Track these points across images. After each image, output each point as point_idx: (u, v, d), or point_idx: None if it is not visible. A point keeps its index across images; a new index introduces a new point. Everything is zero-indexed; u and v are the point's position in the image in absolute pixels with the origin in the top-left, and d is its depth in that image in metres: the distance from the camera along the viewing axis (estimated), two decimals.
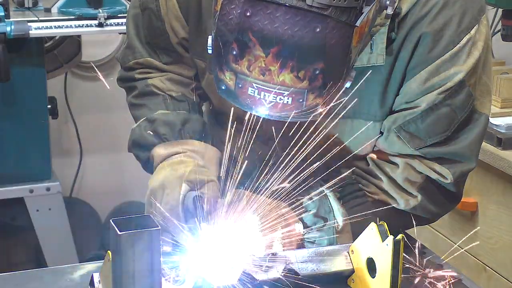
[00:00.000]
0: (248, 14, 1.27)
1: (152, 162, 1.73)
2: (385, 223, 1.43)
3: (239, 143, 1.77)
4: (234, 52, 1.30)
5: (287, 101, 1.33)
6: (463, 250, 1.67)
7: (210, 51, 1.37)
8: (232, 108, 1.46)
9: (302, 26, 1.26)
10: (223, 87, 1.36)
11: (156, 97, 1.79)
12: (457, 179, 1.64)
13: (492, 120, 2.57)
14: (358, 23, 1.30)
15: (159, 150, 1.71)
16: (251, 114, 1.42)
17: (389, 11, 1.42)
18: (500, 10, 2.94)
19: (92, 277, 1.41)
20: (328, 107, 1.38)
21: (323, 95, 1.33)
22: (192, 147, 1.70)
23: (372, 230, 1.44)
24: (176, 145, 1.71)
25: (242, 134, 1.77)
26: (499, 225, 2.60)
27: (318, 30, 1.26)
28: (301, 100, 1.33)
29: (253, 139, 1.72)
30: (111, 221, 1.26)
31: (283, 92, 1.32)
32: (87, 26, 3.20)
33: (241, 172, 1.77)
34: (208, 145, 1.74)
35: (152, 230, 1.25)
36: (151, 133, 1.73)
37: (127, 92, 1.85)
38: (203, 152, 1.70)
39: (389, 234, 1.41)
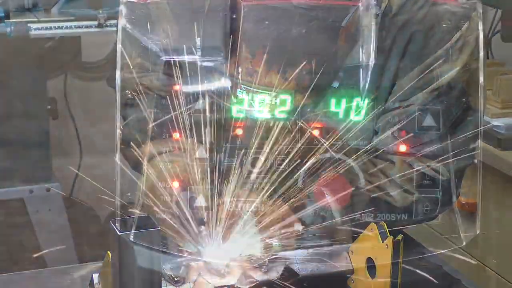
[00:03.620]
0: (234, 16, 1.28)
1: (141, 161, 1.73)
2: (385, 224, 1.43)
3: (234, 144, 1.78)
4: (222, 54, 1.31)
5: (275, 102, 1.33)
6: (463, 250, 1.67)
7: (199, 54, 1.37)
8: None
9: (288, 27, 1.27)
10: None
11: (146, 96, 1.79)
12: (454, 176, 1.64)
13: (492, 120, 2.57)
14: (344, 23, 1.30)
15: (148, 149, 1.71)
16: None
17: (377, 10, 1.42)
18: (500, 10, 2.94)
19: (92, 277, 1.41)
20: (318, 107, 1.38)
21: (310, 96, 1.33)
22: (181, 145, 1.70)
23: (371, 230, 1.44)
24: (165, 143, 1.71)
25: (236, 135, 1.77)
26: (499, 225, 2.60)
27: (304, 31, 1.27)
28: (288, 101, 1.33)
29: (248, 139, 1.72)
30: (111, 221, 1.26)
31: (271, 92, 1.32)
32: (86, 26, 3.21)
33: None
34: (198, 143, 1.74)
35: (152, 230, 1.25)
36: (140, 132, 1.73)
37: (117, 92, 1.85)
38: (192, 150, 1.70)
39: (388, 235, 1.41)
